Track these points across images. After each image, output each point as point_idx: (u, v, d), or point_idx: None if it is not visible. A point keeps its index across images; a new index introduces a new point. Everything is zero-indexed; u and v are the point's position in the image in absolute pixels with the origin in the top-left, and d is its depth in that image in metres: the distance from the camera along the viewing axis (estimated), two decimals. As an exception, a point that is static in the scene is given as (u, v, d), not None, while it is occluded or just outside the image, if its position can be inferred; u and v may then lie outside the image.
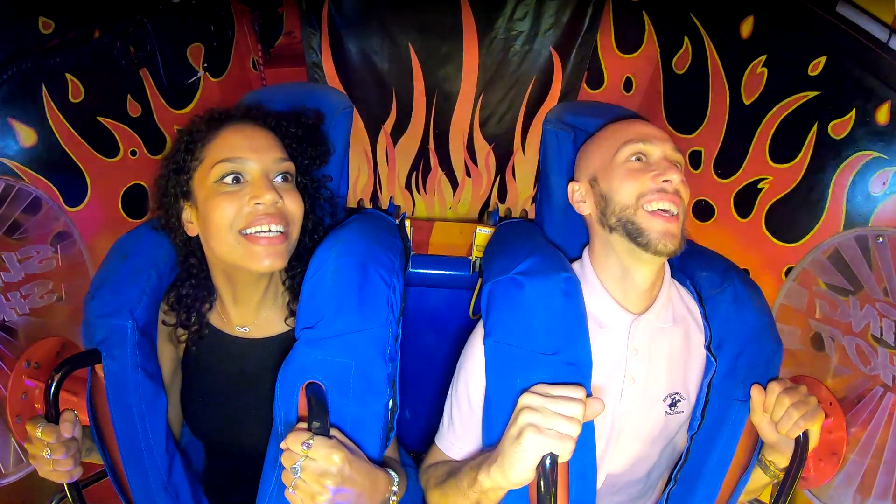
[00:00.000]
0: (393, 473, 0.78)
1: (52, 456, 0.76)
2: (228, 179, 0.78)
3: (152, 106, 1.22)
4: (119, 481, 0.85)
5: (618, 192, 0.83)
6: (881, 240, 0.85)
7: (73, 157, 1.03)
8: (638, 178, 0.82)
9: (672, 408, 0.86)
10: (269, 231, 0.76)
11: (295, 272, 0.88)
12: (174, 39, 1.29)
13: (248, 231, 0.76)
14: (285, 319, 0.89)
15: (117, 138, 1.13)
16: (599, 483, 0.87)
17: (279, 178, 0.80)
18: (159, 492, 0.82)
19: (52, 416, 0.77)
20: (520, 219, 1.19)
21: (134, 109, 1.17)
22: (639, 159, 0.84)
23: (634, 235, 0.81)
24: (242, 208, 0.76)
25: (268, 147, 0.80)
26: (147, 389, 0.82)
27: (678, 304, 0.90)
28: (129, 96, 1.16)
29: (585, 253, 0.92)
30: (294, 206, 0.80)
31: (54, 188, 0.99)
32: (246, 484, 0.81)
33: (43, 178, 0.97)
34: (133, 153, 1.17)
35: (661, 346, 0.86)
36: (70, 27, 1.00)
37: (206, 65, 1.39)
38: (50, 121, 0.97)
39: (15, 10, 0.90)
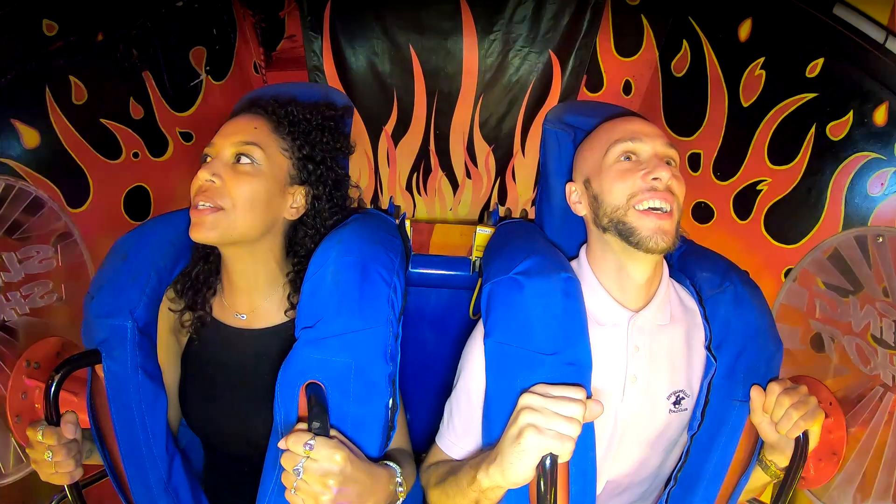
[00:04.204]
0: (394, 466, 0.77)
1: (54, 458, 0.76)
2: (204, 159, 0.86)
3: (154, 108, 1.23)
4: (119, 481, 0.84)
5: (609, 194, 0.83)
6: (881, 239, 0.85)
7: (75, 158, 1.03)
8: (628, 179, 0.81)
9: (676, 405, 0.85)
10: (200, 205, 0.81)
11: (299, 266, 0.89)
12: (177, 43, 1.30)
13: (196, 205, 0.81)
14: (285, 311, 0.90)
15: (119, 140, 1.14)
16: (602, 484, 0.86)
17: (236, 159, 0.83)
18: (159, 492, 0.82)
19: (53, 416, 0.77)
20: (520, 219, 1.19)
21: (136, 112, 1.18)
22: (628, 158, 0.84)
23: (626, 235, 0.81)
24: (195, 184, 0.82)
25: (234, 132, 0.84)
26: (147, 390, 0.81)
27: (676, 302, 0.90)
28: (131, 98, 1.17)
29: (583, 251, 0.93)
30: (236, 186, 0.81)
31: (57, 189, 0.99)
32: (245, 482, 0.81)
33: (45, 180, 0.97)
34: (135, 155, 1.18)
35: (662, 344, 0.86)
36: (73, 30, 1.01)
37: (208, 68, 1.40)
38: (53, 122, 0.98)
39: (19, 12, 0.91)
